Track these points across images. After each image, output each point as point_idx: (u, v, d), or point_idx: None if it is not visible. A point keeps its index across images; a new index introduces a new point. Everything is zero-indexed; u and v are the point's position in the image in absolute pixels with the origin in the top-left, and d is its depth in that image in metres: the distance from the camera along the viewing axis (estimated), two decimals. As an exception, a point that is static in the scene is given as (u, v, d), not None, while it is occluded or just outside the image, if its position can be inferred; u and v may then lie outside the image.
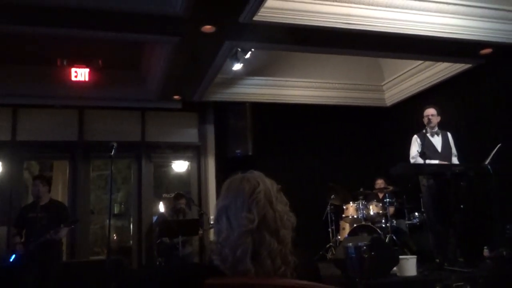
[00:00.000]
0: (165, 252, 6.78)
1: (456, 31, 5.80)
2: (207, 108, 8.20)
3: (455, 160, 5.72)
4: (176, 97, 7.65)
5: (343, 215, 7.08)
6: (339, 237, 7.10)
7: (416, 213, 6.71)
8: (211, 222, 7.29)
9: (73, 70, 6.82)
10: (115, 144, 4.74)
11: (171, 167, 9.26)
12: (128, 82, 7.56)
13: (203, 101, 7.91)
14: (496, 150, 5.24)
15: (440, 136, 5.78)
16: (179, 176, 9.26)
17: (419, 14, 5.64)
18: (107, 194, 8.49)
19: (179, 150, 8.22)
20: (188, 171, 8.54)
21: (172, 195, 7.75)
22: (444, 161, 5.57)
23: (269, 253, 1.20)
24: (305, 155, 8.42)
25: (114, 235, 11.18)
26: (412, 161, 5.69)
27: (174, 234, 6.53)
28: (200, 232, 6.93)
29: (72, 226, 5.72)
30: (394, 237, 6.31)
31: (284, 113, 8.36)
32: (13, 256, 5.15)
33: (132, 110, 7.83)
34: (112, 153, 4.73)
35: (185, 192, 7.70)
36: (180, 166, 8.80)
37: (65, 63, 6.80)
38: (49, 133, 7.40)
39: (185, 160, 8.44)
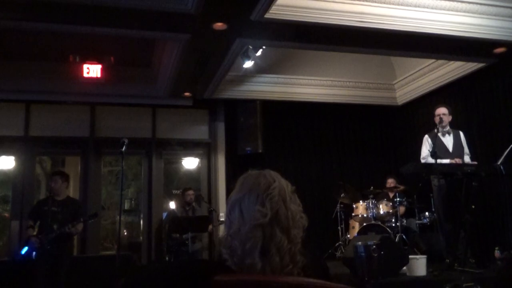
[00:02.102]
0: (174, 248, 6.82)
1: (470, 29, 5.74)
2: (218, 106, 8.21)
3: (467, 159, 5.66)
4: (186, 94, 7.67)
5: (353, 214, 7.06)
6: (348, 235, 7.08)
7: (427, 213, 6.67)
8: (221, 219, 7.32)
9: (85, 66, 6.87)
10: (126, 141, 4.78)
11: (181, 164, 9.30)
12: (140, 79, 7.60)
13: (214, 98, 7.92)
14: (509, 150, 5.17)
15: (451, 135, 5.72)
16: (189, 173, 9.30)
17: (433, 12, 5.59)
18: (118, 190, 8.58)
19: (190, 147, 8.24)
20: (198, 168, 8.57)
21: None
22: (457, 159, 5.52)
23: (278, 249, 1.20)
24: (315, 153, 8.40)
25: (124, 230, 11.27)
26: (423, 161, 5.64)
27: (183, 230, 6.57)
28: (210, 228, 6.96)
29: (91, 221, 5.79)
30: (404, 237, 6.28)
31: (295, 111, 8.34)
32: (25, 249, 5.22)
33: (143, 107, 7.87)
34: (123, 149, 4.76)
35: (195, 189, 7.73)
36: (190, 163, 8.83)
37: (77, 59, 6.85)
38: (61, 129, 7.48)
39: (195, 157, 8.46)
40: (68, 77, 6.99)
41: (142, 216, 8.13)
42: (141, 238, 8.16)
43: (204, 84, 7.26)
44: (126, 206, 11.49)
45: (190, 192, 7.27)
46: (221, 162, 8.08)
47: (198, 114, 8.23)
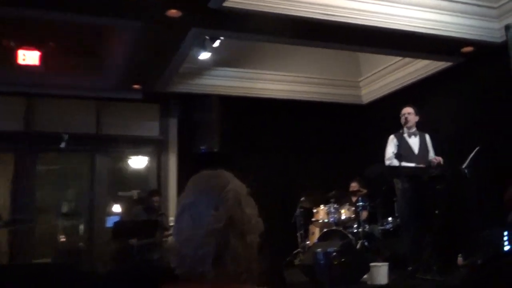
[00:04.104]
0: (128, 255, 6.64)
1: (437, 27, 5.95)
2: (171, 100, 8.14)
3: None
4: (136, 86, 7.55)
5: (313, 219, 7.13)
6: (308, 242, 7.16)
7: (390, 218, 6.82)
8: (171, 224, 7.24)
9: (20, 52, 6.62)
10: (66, 136, 4.67)
11: (128, 163, 9.13)
12: (84, 69, 7.39)
13: (167, 92, 7.85)
14: (474, 153, 5.38)
15: (417, 137, 5.90)
16: (137, 173, 9.14)
17: (399, 7, 5.76)
18: (57, 191, 8.34)
19: (138, 145, 8.16)
20: (147, 168, 8.46)
21: (129, 193, 7.68)
22: (421, 163, 5.70)
23: (233, 257, 1.21)
24: (275, 153, 8.45)
25: (63, 236, 10.95)
26: (387, 162, 5.79)
27: (128, 236, 6.45)
28: (161, 234, 6.86)
29: (13, 227, 5.60)
30: (366, 243, 6.41)
31: (255, 108, 8.37)
32: None
33: (87, 100, 7.70)
34: (63, 145, 4.65)
35: (142, 191, 7.63)
36: (138, 162, 8.69)
37: (12, 44, 6.59)
38: (-9, 122, 7.20)
39: (144, 155, 8.36)
40: (1, 64, 6.72)
41: (83, 220, 7.96)
42: (81, 244, 7.99)
43: (155, 76, 7.17)
44: (66, 209, 11.17)
45: (157, 198, 7.18)
46: (172, 162, 8.03)
47: (148, 108, 8.14)
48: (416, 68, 7.72)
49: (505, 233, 4.39)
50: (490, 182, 5.90)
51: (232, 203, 1.24)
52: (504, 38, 5.94)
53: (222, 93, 8.05)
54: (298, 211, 7.43)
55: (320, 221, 6.98)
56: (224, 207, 1.23)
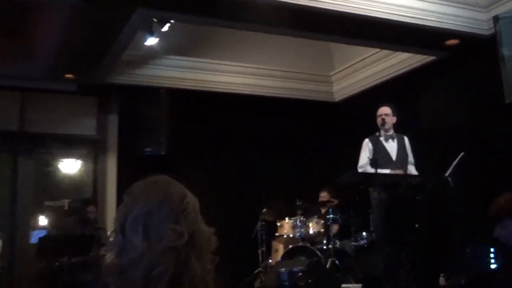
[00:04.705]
0: (58, 277, 6.50)
1: (419, 16, 6.07)
2: (111, 93, 8.08)
3: (411, 169, 5.97)
4: (69, 76, 7.45)
5: (276, 234, 7.17)
6: (270, 260, 7.18)
7: (364, 233, 6.92)
8: (110, 239, 7.12)
9: None
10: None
11: (58, 167, 8.96)
12: (6, 53, 7.21)
13: (106, 84, 7.76)
14: (459, 160, 5.51)
15: (395, 140, 6.00)
16: (69, 179, 8.98)
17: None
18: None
19: (70, 145, 8.07)
20: (81, 173, 8.34)
21: (58, 203, 7.53)
22: (399, 170, 5.80)
23: (191, 278, 1.20)
24: (233, 158, 8.44)
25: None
26: (360, 170, 5.86)
27: (59, 253, 6.33)
28: (99, 251, 6.75)
29: None
30: (336, 261, 6.48)
31: (210, 104, 8.35)
32: None
33: (9, 90, 7.56)
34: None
35: (74, 201, 7.51)
36: (70, 165, 8.55)
37: None
38: None
39: (77, 158, 8.24)
40: None
41: (2, 235, 7.75)
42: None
43: (93, 64, 7.08)
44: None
45: (92, 208, 7.12)
46: (111, 166, 7.98)
47: (83, 102, 8.07)
48: (395, 62, 7.86)
49: (492, 249, 4.51)
50: (476, 192, 6.06)
51: (193, 217, 1.25)
52: (492, 31, 6.13)
53: (171, 85, 8.01)
54: (259, 224, 7.44)
55: (285, 236, 7.01)
56: (185, 221, 1.22)
